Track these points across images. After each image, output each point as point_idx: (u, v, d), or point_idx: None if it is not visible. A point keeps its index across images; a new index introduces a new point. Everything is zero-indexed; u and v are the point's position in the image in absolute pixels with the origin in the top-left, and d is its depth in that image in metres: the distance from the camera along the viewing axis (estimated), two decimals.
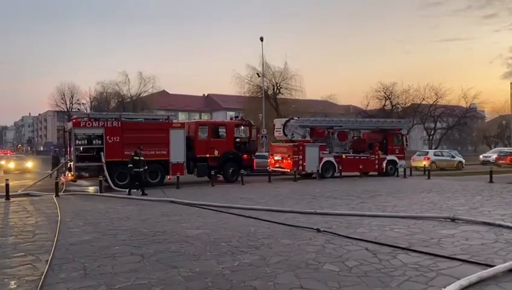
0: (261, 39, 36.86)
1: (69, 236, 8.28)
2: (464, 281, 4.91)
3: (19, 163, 33.75)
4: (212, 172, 19.60)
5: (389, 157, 24.50)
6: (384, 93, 49.01)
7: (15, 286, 5.32)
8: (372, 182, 20.29)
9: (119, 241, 7.81)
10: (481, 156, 40.22)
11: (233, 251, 6.93)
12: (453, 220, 9.40)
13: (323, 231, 8.18)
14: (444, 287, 4.83)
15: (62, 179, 18.28)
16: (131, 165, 15.47)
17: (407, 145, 27.02)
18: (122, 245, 7.45)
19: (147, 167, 15.85)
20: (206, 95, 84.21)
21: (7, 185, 14.79)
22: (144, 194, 15.06)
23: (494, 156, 37.21)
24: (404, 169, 24.28)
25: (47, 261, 6.31)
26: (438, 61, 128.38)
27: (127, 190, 15.59)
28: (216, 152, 20.48)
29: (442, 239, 7.66)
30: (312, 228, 8.39)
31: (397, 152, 25.05)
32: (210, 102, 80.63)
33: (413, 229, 8.52)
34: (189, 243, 7.56)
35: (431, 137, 52.66)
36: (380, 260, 6.30)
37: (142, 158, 15.65)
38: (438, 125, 52.71)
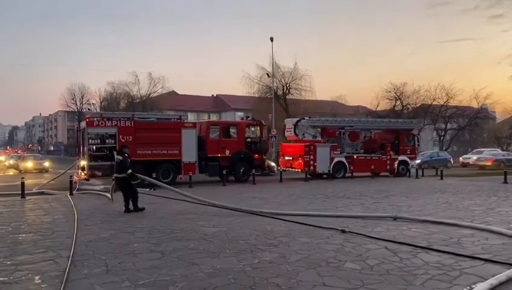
0: (271, 39, 36.86)
1: (87, 233, 8.33)
2: (493, 280, 4.86)
3: (36, 162, 34.18)
4: (224, 172, 19.65)
5: (401, 157, 24.38)
6: (395, 93, 48.60)
7: (39, 281, 5.36)
8: (385, 183, 20.19)
9: (137, 238, 7.85)
10: (461, 158, 39.77)
11: (252, 249, 6.93)
12: (395, 219, 9.44)
13: (349, 231, 8.06)
14: (474, 285, 4.81)
15: (75, 177, 18.42)
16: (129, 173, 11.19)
17: (418, 145, 26.87)
18: (141, 242, 7.48)
19: (129, 172, 11.22)
20: (214, 95, 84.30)
21: (22, 184, 14.96)
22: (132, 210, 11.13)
23: (475, 157, 37.19)
24: (416, 169, 24.14)
25: (68, 257, 6.35)
26: (447, 61, 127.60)
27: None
28: (227, 152, 20.53)
29: (461, 239, 7.59)
30: (337, 229, 8.27)
31: (409, 153, 24.92)
32: (219, 102, 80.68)
33: (432, 229, 8.44)
34: (207, 240, 7.58)
35: (441, 138, 52.21)
36: (401, 258, 6.26)
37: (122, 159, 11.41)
38: (449, 126, 52.21)
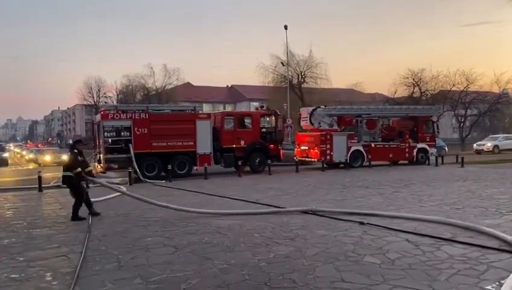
0: (285, 27, 36.39)
1: (101, 227, 8.26)
2: None
3: (55, 156, 34.68)
4: (239, 162, 19.50)
5: (420, 145, 23.80)
6: (413, 79, 47.46)
7: (50, 278, 5.26)
8: (404, 171, 19.74)
9: (151, 232, 7.73)
10: (475, 145, 38.36)
11: (268, 242, 6.72)
12: (314, 212, 9.03)
13: (368, 223, 7.78)
14: (504, 280, 4.54)
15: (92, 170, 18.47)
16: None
17: (438, 132, 26.20)
18: (154, 236, 7.36)
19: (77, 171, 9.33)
20: (229, 86, 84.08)
21: (39, 178, 15.06)
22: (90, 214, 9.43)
23: (489, 144, 35.91)
24: (436, 157, 23.55)
25: (81, 253, 6.26)
26: (466, 46, 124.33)
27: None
28: (242, 142, 20.32)
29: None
30: (355, 221, 8.03)
31: (428, 140, 24.32)
32: (234, 93, 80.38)
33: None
34: (221, 233, 7.41)
35: (461, 124, 50.98)
36: (424, 251, 5.97)
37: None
38: (469, 112, 50.87)
